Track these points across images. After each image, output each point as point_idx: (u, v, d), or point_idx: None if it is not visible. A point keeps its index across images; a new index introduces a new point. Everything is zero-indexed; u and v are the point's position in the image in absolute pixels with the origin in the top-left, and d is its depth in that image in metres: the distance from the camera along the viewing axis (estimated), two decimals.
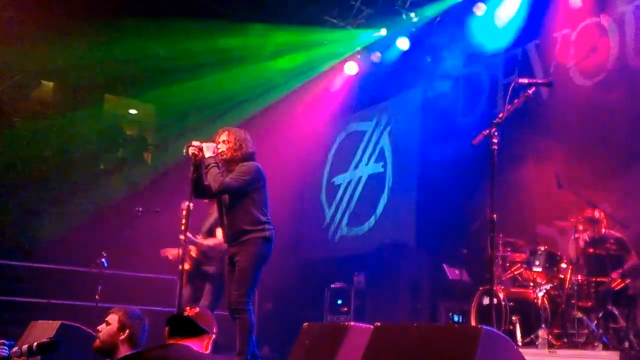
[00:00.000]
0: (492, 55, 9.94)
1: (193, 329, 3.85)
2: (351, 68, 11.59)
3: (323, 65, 11.75)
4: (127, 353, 4.28)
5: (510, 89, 4.37)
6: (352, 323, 3.59)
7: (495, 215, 4.21)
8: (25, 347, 4.38)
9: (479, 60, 10.17)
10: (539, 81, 4.59)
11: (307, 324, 3.78)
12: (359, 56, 11.64)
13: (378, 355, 3.21)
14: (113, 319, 4.43)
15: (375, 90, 11.64)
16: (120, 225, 8.01)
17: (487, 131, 4.28)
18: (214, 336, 3.97)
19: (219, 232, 6.59)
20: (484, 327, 2.81)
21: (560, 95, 8.77)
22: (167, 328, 3.95)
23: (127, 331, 4.36)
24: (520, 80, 4.53)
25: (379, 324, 3.42)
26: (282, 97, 11.69)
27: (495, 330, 3.23)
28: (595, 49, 8.61)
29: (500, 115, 4.33)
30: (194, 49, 10.59)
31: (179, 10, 10.06)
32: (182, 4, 10.24)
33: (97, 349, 4.35)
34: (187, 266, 6.71)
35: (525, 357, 6.50)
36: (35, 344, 4.38)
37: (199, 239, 6.98)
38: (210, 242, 6.95)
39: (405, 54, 10.97)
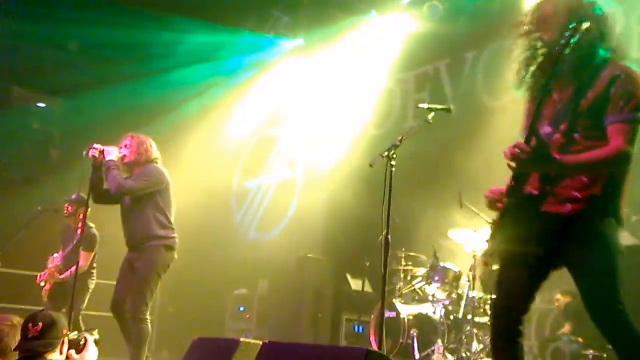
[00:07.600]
0: (405, 71, 10.14)
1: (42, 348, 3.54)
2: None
3: (241, 72, 11.74)
4: None
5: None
6: (241, 339, 3.58)
7: (389, 236, 4.27)
8: None
9: (392, 75, 10.32)
10: (438, 106, 4.69)
11: (197, 337, 3.75)
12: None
13: None
14: None
15: (289, 97, 11.63)
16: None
17: (386, 153, 4.35)
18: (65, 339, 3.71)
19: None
20: (367, 349, 2.88)
21: (468, 113, 8.99)
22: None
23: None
24: (420, 105, 4.63)
25: (267, 341, 3.45)
26: (199, 107, 11.59)
27: (379, 352, 3.28)
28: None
29: (400, 138, 4.41)
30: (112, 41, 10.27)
31: None
32: None
33: None
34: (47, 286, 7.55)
35: None
36: None
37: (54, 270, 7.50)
38: (66, 274, 7.37)
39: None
